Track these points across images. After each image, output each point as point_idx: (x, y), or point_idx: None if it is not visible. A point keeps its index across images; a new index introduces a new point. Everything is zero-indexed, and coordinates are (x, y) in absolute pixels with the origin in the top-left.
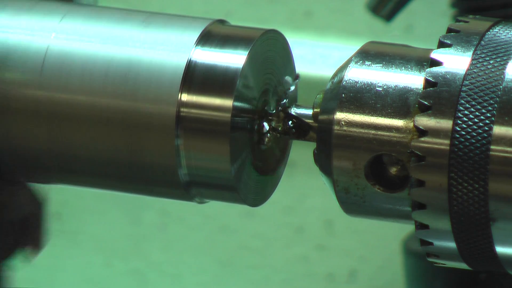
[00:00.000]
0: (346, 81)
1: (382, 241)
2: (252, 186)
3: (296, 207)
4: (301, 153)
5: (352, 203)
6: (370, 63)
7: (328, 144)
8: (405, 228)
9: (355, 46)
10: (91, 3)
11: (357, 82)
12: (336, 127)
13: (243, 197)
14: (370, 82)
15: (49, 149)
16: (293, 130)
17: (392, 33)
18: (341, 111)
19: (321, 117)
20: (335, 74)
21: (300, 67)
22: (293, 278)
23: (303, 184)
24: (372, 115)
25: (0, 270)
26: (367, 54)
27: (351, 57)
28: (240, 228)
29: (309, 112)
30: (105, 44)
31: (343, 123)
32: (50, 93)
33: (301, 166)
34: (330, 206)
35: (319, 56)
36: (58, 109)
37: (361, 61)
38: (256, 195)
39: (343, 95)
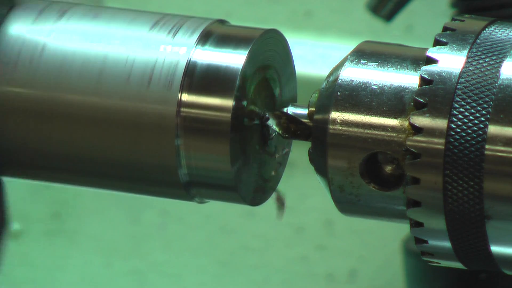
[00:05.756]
0: (341, 79)
1: (382, 241)
2: (252, 186)
3: (296, 207)
4: (301, 153)
5: (347, 202)
6: (365, 61)
7: (323, 143)
8: (405, 228)
9: (355, 46)
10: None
11: (352, 81)
12: (331, 126)
13: (243, 197)
14: (366, 81)
15: (48, 149)
16: (293, 130)
17: (392, 33)
18: (336, 109)
19: (316, 116)
20: (331, 73)
21: (300, 67)
22: (293, 278)
23: (303, 184)
24: (367, 114)
25: None
26: (363, 53)
27: (347, 56)
28: (240, 228)
29: (305, 111)
30: (104, 44)
31: (338, 121)
32: (50, 93)
33: (301, 166)
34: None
35: (319, 56)
36: (58, 109)
37: (356, 60)
38: (256, 194)
39: (338, 93)
